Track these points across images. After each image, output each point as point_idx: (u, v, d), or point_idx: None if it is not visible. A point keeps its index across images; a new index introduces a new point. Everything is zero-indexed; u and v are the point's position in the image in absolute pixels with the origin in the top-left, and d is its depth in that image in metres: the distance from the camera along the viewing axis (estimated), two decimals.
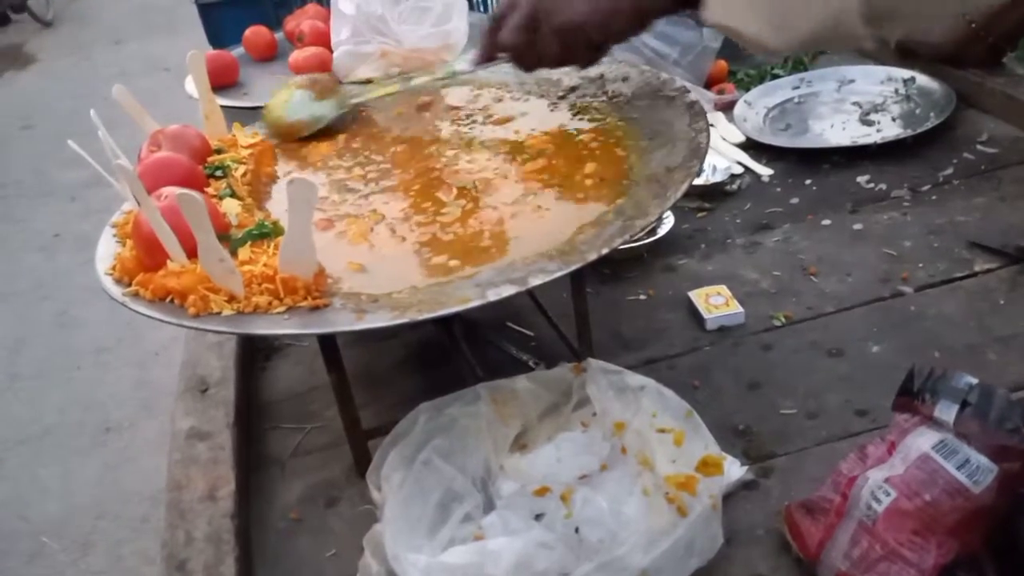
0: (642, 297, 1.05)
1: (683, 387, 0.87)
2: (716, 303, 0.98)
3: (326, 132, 1.02)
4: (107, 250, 0.84)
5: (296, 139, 1.01)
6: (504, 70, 1.07)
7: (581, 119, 0.94)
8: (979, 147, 1.19)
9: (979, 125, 1.24)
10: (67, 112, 5.29)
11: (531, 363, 0.94)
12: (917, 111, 1.30)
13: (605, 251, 0.68)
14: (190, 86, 1.26)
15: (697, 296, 1.00)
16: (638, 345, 0.96)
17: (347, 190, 0.89)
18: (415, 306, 0.66)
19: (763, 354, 0.91)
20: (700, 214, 1.19)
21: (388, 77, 1.18)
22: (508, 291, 0.65)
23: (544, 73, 1.04)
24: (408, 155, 0.95)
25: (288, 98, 1.02)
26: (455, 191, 0.84)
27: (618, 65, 0.99)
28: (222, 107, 1.18)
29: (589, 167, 0.83)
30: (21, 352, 3.22)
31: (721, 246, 1.11)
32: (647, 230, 0.73)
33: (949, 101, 1.26)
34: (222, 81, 1.29)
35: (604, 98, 0.96)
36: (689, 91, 0.90)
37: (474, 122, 0.99)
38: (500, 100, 1.03)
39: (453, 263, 0.73)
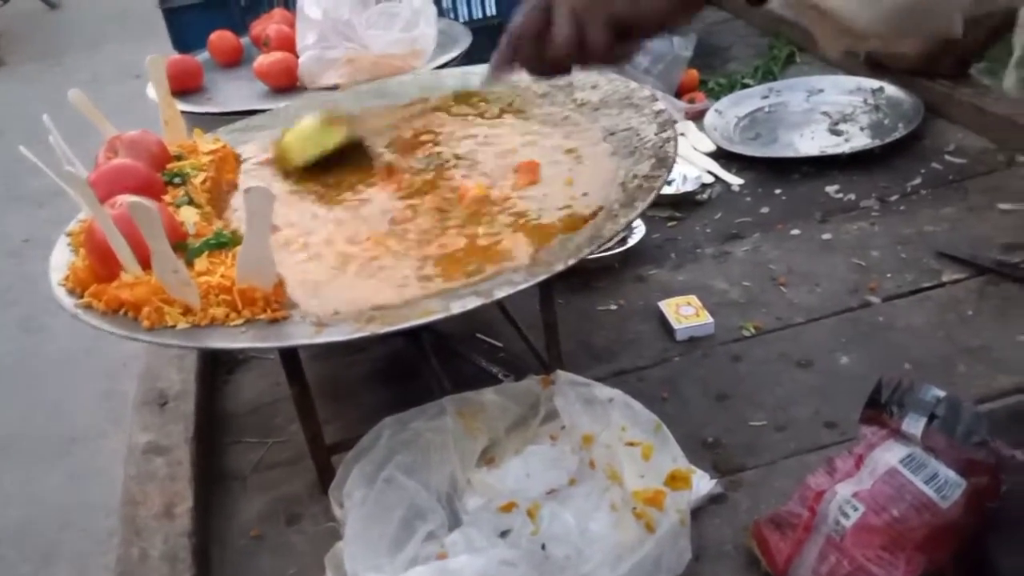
0: (612, 307, 1.04)
1: (652, 399, 0.86)
2: (686, 313, 0.97)
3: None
4: (62, 259, 0.81)
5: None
6: (475, 76, 1.07)
7: (551, 127, 0.93)
8: (947, 157, 1.19)
9: (947, 135, 1.24)
10: (37, 117, 5.21)
11: (500, 375, 0.92)
12: (886, 121, 1.30)
13: (572, 262, 0.67)
14: (151, 91, 1.23)
15: (667, 306, 0.99)
16: (608, 356, 0.95)
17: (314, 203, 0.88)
18: (377, 319, 0.65)
19: (732, 365, 0.90)
20: (671, 223, 1.18)
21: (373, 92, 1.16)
22: (473, 303, 0.64)
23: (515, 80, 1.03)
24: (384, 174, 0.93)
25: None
26: (427, 204, 0.82)
27: (586, 74, 0.98)
28: (185, 113, 1.16)
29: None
30: None
31: (692, 256, 1.10)
32: (615, 239, 0.72)
33: (917, 111, 1.27)
34: (186, 86, 1.27)
35: (572, 105, 0.95)
36: (657, 99, 0.89)
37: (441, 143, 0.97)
38: (468, 117, 1.01)
39: (424, 274, 0.71)
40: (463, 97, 1.02)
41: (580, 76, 0.98)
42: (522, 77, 0.72)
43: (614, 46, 0.76)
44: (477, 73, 1.06)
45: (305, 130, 0.93)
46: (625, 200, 0.74)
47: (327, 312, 0.68)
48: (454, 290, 0.68)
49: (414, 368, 0.95)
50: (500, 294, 0.65)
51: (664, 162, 0.77)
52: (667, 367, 0.92)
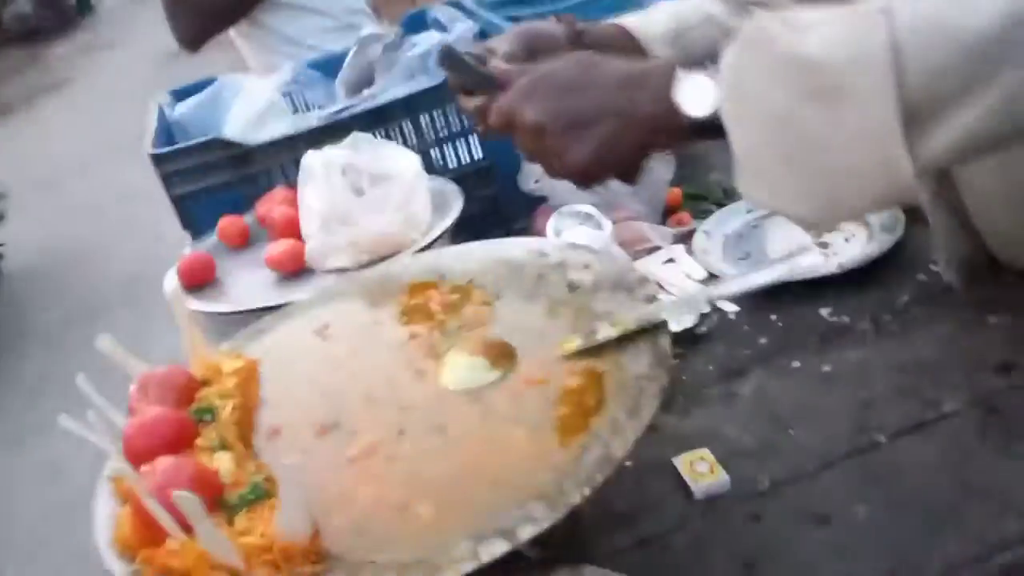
0: (628, 463, 1.07)
1: (680, 571, 0.90)
2: (701, 470, 1.01)
3: None
4: (106, 511, 0.86)
5: None
6: (472, 257, 1.12)
7: (555, 319, 0.97)
8: (932, 267, 1.23)
9: (927, 244, 1.28)
10: (40, 249, 5.32)
11: (525, 551, 0.96)
12: (868, 229, 1.34)
13: (588, 492, 0.71)
14: (167, 287, 1.29)
15: (681, 463, 1.02)
16: (629, 520, 0.99)
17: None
18: (412, 570, 0.69)
19: (753, 526, 0.94)
20: (674, 361, 1.22)
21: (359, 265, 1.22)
22: (500, 548, 0.68)
23: (509, 257, 1.09)
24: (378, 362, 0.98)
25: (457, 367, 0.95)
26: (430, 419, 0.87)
27: (579, 251, 1.03)
28: (203, 313, 1.22)
29: (569, 383, 0.86)
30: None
31: (699, 398, 1.14)
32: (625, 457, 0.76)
33: (897, 220, 1.31)
34: (200, 281, 1.33)
35: (566, 289, 1.00)
36: (648, 281, 0.94)
37: (446, 326, 1.02)
38: (468, 299, 1.06)
39: (436, 515, 0.76)
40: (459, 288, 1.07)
41: (573, 255, 1.03)
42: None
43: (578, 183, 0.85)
44: (473, 254, 1.11)
45: (472, 362, 0.93)
46: (631, 407, 0.79)
47: (363, 560, 0.72)
48: (478, 528, 0.72)
49: None
50: (525, 535, 0.69)
51: (662, 361, 0.82)
52: (689, 532, 0.95)
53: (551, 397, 0.86)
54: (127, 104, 7.30)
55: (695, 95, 0.77)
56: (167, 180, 1.51)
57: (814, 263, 0.84)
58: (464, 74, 0.95)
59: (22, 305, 4.67)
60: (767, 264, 0.89)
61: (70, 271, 4.92)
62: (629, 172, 0.88)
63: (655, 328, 0.87)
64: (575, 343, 0.91)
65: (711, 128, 0.77)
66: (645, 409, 0.77)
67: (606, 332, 0.89)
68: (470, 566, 0.67)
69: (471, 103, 0.96)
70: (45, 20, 11.75)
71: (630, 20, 1.13)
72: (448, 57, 0.96)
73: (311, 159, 1.28)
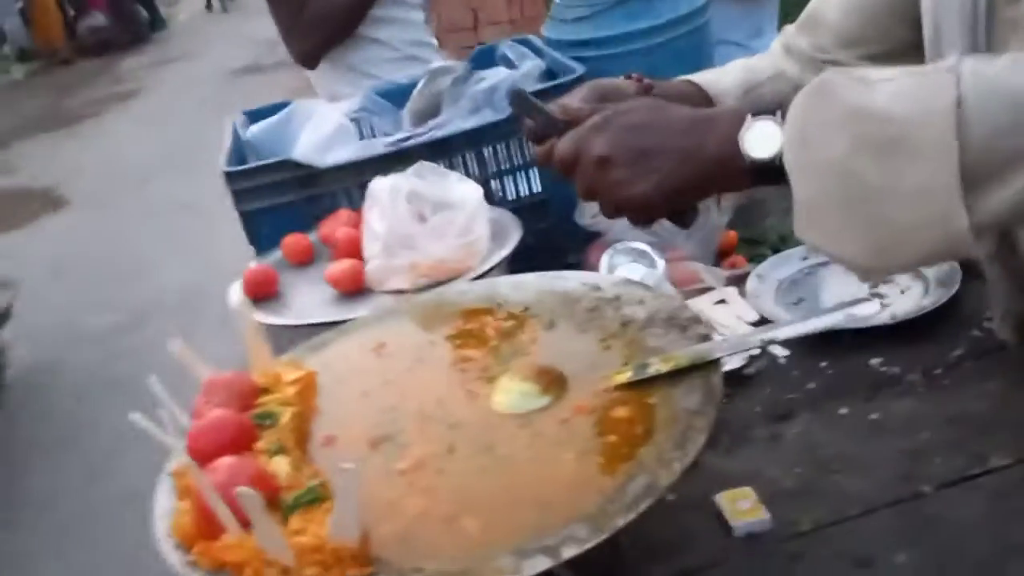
0: (670, 498, 1.08)
1: None
2: (742, 508, 1.02)
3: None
4: (166, 505, 0.89)
5: None
6: (527, 287, 1.15)
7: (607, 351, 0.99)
8: (987, 323, 1.23)
9: (984, 300, 1.28)
10: (97, 257, 5.47)
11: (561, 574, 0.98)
12: (924, 284, 1.35)
13: (632, 516, 0.73)
14: (231, 298, 1.34)
15: (723, 499, 1.03)
16: (667, 554, 1.00)
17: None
18: None
19: (793, 566, 0.94)
20: (722, 401, 1.23)
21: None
22: (542, 565, 0.70)
23: (564, 289, 1.12)
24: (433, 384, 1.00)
25: (510, 392, 0.97)
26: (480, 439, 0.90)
27: (633, 287, 1.06)
28: (263, 325, 1.26)
29: (619, 412, 0.88)
30: (50, 507, 3.26)
31: (744, 438, 1.15)
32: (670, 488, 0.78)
33: (954, 274, 1.31)
34: (264, 294, 1.38)
35: (617, 324, 1.02)
36: (701, 320, 0.96)
37: (499, 351, 1.04)
38: (521, 327, 1.08)
39: (482, 530, 0.78)
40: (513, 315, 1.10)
41: (627, 290, 1.06)
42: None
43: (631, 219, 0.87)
44: (528, 284, 1.14)
45: (523, 387, 0.95)
46: (678, 439, 0.80)
47: (410, 567, 0.75)
48: (522, 544, 0.74)
49: None
50: (568, 554, 0.71)
51: (711, 397, 0.83)
52: (729, 568, 0.96)
53: (600, 425, 0.88)
54: (190, 119, 7.55)
55: (760, 139, 0.79)
56: (237, 196, 1.57)
57: (869, 312, 0.84)
58: (532, 115, 0.98)
59: (73, 311, 4.79)
60: (821, 311, 0.90)
61: (124, 280, 5.05)
62: (686, 213, 0.90)
63: (707, 365, 0.89)
64: (626, 375, 0.93)
65: (773, 173, 0.79)
66: (692, 443, 0.79)
67: (658, 367, 0.91)
68: None
69: (539, 148, 0.99)
70: (118, 34, 12.17)
71: (701, 76, 1.15)
72: (517, 98, 0.99)
73: (378, 185, 1.33)
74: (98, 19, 12.27)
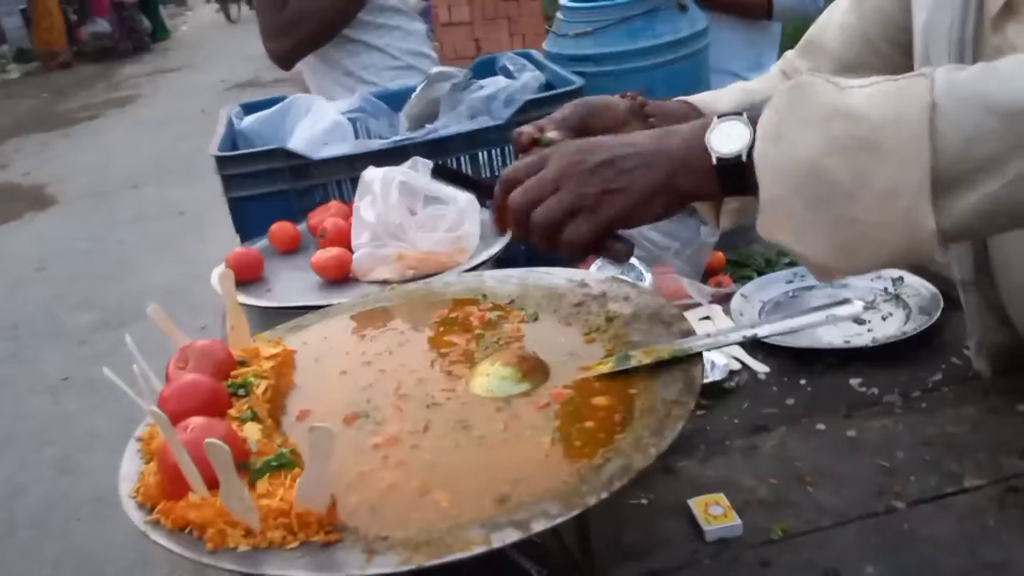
0: (643, 501, 1.07)
1: None
2: (715, 513, 1.01)
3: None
4: (131, 468, 0.88)
5: None
6: (513, 281, 1.15)
7: (590, 344, 0.99)
8: (965, 352, 1.24)
9: (963, 329, 1.29)
10: (82, 254, 5.44)
11: (534, 572, 0.96)
12: (906, 311, 1.36)
13: (605, 495, 0.72)
14: (214, 280, 1.33)
15: (696, 505, 1.03)
16: (638, 555, 0.99)
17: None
18: (423, 548, 0.70)
19: (761, 572, 0.93)
20: (700, 412, 1.23)
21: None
22: (511, 537, 0.69)
23: (550, 284, 1.11)
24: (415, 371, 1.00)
25: (489, 375, 0.95)
26: (456, 418, 0.89)
27: (620, 285, 1.06)
28: (247, 305, 1.25)
29: (599, 400, 0.88)
30: (19, 499, 3.21)
31: (720, 448, 1.15)
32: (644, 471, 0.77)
33: (936, 303, 1.32)
34: (247, 277, 1.37)
35: (602, 319, 1.02)
36: (684, 318, 0.96)
37: (483, 339, 1.04)
38: (506, 317, 1.08)
39: (453, 503, 0.77)
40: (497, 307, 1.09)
41: (613, 287, 1.06)
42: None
43: (599, 241, 0.84)
44: (514, 278, 1.14)
45: (503, 372, 0.94)
46: (655, 427, 0.80)
47: (376, 535, 0.74)
48: (492, 518, 0.73)
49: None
50: (537, 527, 0.70)
51: (691, 388, 0.83)
52: (697, 570, 0.95)
53: (578, 412, 0.87)
54: (186, 128, 7.56)
55: (725, 137, 0.78)
56: (227, 182, 1.57)
57: (849, 313, 0.85)
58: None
59: (54, 308, 4.74)
60: (804, 311, 0.90)
61: (107, 280, 5.01)
62: (618, 246, 0.87)
63: (689, 359, 0.88)
64: (608, 365, 0.92)
65: (738, 175, 0.78)
66: (669, 430, 0.78)
67: (639, 358, 0.91)
68: (480, 550, 0.68)
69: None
70: (120, 41, 12.20)
71: (697, 97, 1.15)
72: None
73: (370, 174, 1.33)
74: (100, 25, 12.32)
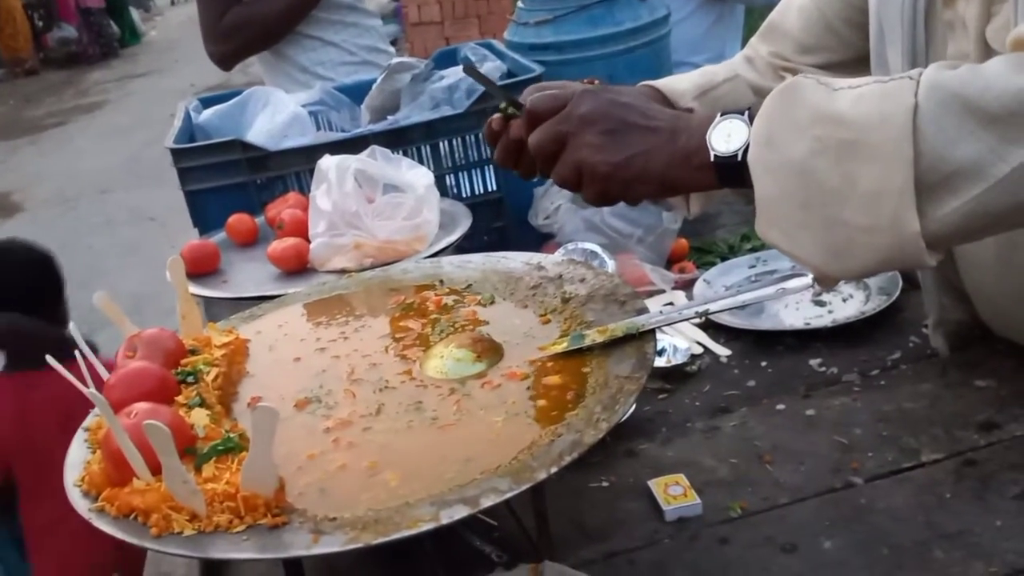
0: (604, 484, 1.07)
1: None
2: (675, 493, 1.01)
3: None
4: (78, 456, 0.86)
5: None
6: (471, 267, 1.14)
7: (546, 325, 0.99)
8: (924, 330, 1.24)
9: (923, 308, 1.30)
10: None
11: (494, 556, 0.95)
12: (866, 292, 1.36)
13: (554, 470, 0.71)
14: (171, 261, 1.31)
15: (656, 486, 1.02)
16: (599, 536, 0.98)
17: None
18: (371, 528, 0.69)
19: (720, 548, 0.93)
20: (662, 396, 1.23)
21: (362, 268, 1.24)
22: (460, 513, 0.68)
23: (508, 268, 1.11)
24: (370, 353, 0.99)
25: (444, 357, 0.95)
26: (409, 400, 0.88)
27: (576, 267, 1.05)
28: (201, 297, 1.24)
29: (552, 379, 0.87)
30: None
31: (681, 430, 1.14)
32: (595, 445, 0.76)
33: (895, 283, 1.33)
34: (203, 269, 1.35)
35: (558, 300, 1.01)
36: (639, 296, 0.95)
37: (439, 323, 1.03)
38: (463, 301, 1.07)
39: (403, 482, 0.76)
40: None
41: (570, 270, 1.05)
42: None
43: (585, 191, 0.86)
44: (473, 263, 1.13)
45: (457, 354, 0.94)
46: (607, 402, 0.79)
47: (324, 516, 0.72)
48: (442, 495, 0.72)
49: (408, 547, 0.98)
50: (487, 503, 0.69)
51: (643, 364, 0.82)
52: (657, 549, 0.95)
53: (531, 391, 0.87)
54: (154, 133, 7.47)
55: (725, 135, 0.81)
56: (183, 175, 1.54)
57: (799, 286, 0.85)
58: (485, 84, 0.99)
59: None
60: (758, 286, 0.90)
61: (75, 286, 4.95)
62: (637, 198, 0.89)
63: (642, 336, 0.88)
64: (562, 345, 0.92)
65: (736, 172, 0.80)
66: (621, 404, 0.77)
67: (593, 337, 0.90)
68: (429, 526, 0.67)
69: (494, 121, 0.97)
70: (87, 47, 12.06)
71: (658, 81, 1.16)
72: (469, 71, 0.99)
73: (326, 162, 1.31)
74: (67, 31, 12.17)
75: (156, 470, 0.76)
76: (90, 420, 0.91)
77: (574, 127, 0.85)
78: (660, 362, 1.27)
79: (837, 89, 0.76)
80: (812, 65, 1.15)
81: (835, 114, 0.74)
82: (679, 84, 1.15)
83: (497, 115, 0.96)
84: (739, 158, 0.79)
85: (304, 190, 1.53)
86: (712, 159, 0.81)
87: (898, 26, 0.99)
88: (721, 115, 0.82)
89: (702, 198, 1.06)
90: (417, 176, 1.32)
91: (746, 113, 0.81)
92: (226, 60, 2.33)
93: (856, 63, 1.12)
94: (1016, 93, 0.68)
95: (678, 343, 1.31)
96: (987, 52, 0.85)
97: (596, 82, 1.09)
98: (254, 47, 2.32)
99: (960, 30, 0.92)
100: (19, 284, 2.02)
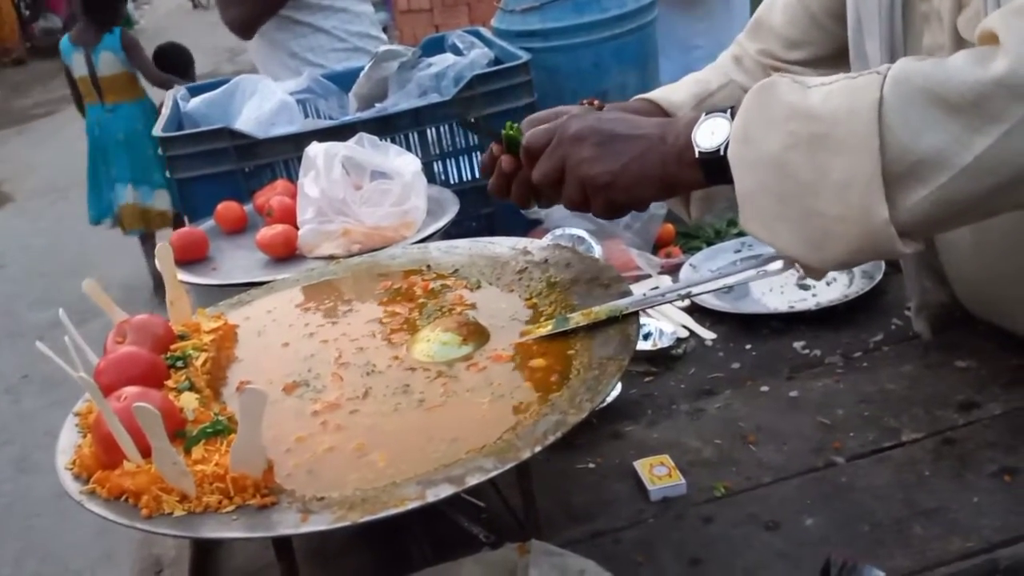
0: (590, 465, 1.08)
1: (628, 563, 0.90)
2: (660, 474, 1.02)
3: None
4: (68, 441, 0.87)
5: None
6: (458, 252, 1.15)
7: (532, 309, 1.00)
8: (907, 313, 1.26)
9: (905, 291, 1.31)
10: (40, 251, 5.36)
11: (481, 536, 0.97)
12: (849, 276, 1.38)
13: (538, 449, 0.72)
14: (160, 248, 1.32)
15: (641, 466, 1.04)
16: (585, 517, 1.00)
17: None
18: (358, 507, 0.70)
19: (704, 527, 0.95)
20: (647, 378, 1.24)
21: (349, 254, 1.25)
22: (446, 491, 0.70)
23: (494, 253, 1.12)
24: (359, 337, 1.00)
25: (430, 341, 0.96)
26: (396, 384, 0.89)
27: (562, 251, 1.06)
28: (191, 284, 1.24)
29: (537, 362, 0.88)
30: None
31: (666, 412, 1.16)
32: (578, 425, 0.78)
33: (878, 267, 1.34)
34: (192, 256, 1.35)
35: (544, 284, 1.02)
36: (623, 279, 0.96)
37: (426, 308, 1.04)
38: (450, 286, 1.08)
39: (390, 463, 0.77)
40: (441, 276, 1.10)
41: (556, 254, 1.06)
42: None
43: (594, 206, 0.89)
44: (460, 249, 1.14)
45: (444, 337, 0.95)
46: (591, 383, 0.81)
47: (312, 496, 0.74)
48: (428, 475, 0.73)
49: (397, 529, 0.99)
50: (472, 481, 0.70)
51: (627, 345, 0.84)
52: (642, 528, 0.96)
53: (517, 373, 0.88)
54: None
55: (709, 132, 0.84)
56: (171, 163, 1.55)
57: (778, 268, 0.86)
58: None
59: (11, 305, 4.66)
60: (739, 270, 0.91)
61: (66, 276, 4.93)
62: (642, 201, 0.91)
63: (626, 318, 0.89)
64: (547, 328, 0.93)
65: (720, 168, 0.82)
66: (604, 385, 0.79)
67: (577, 320, 0.92)
68: (415, 505, 0.69)
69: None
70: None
71: (654, 93, 1.18)
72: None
73: (313, 149, 1.32)
74: (54, 21, 12.08)
75: (146, 453, 0.77)
76: (80, 405, 0.92)
77: (567, 148, 0.88)
78: (646, 345, 1.29)
79: (810, 87, 0.78)
80: (799, 60, 1.17)
81: (807, 109, 0.76)
82: (675, 95, 1.17)
83: (506, 155, 0.98)
84: (721, 153, 0.82)
85: (292, 177, 1.54)
86: (697, 155, 0.84)
87: (876, 18, 1.00)
88: (706, 114, 0.85)
89: (702, 203, 1.09)
90: (405, 163, 1.33)
91: (729, 111, 0.84)
92: (247, 24, 2.30)
93: (843, 57, 1.13)
94: (975, 83, 0.70)
95: (664, 327, 1.32)
96: (961, 43, 0.87)
97: (595, 102, 1.10)
98: (272, 6, 2.28)
99: (935, 22, 0.93)
100: None
